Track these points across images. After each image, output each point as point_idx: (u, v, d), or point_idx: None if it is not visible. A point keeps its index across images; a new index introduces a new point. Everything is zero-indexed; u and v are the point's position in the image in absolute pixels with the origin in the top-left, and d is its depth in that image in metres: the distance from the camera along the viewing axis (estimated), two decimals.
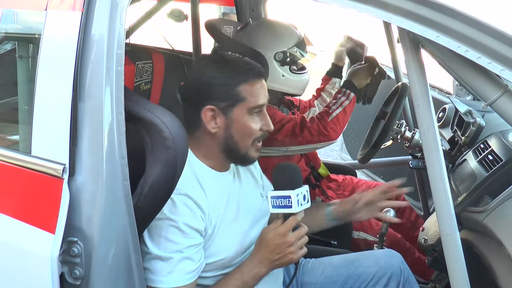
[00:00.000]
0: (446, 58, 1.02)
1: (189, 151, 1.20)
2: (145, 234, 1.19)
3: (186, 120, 1.29)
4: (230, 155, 1.32)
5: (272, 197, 1.17)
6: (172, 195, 1.16)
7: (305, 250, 1.20)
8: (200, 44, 2.53)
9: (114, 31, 1.09)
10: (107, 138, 1.08)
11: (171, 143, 1.10)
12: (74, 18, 1.10)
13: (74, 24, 1.09)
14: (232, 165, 1.39)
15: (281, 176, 1.20)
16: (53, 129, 1.11)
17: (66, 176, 1.07)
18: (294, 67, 1.95)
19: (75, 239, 1.08)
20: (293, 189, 1.16)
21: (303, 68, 2.01)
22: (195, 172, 1.27)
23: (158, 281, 1.17)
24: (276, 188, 1.20)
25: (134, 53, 1.49)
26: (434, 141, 1.09)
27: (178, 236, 1.18)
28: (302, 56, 1.94)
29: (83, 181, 1.08)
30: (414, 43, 1.08)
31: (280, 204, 1.16)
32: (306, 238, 1.20)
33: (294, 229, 1.18)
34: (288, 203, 1.15)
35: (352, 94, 1.98)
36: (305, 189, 1.18)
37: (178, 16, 2.72)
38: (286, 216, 1.18)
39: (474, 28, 0.95)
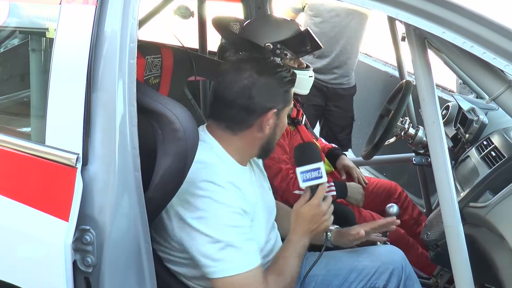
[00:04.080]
0: (452, 53, 1.05)
1: (218, 144, 1.29)
2: (202, 230, 1.18)
3: (231, 121, 1.30)
4: (264, 151, 1.37)
5: (302, 172, 1.27)
6: (221, 184, 1.21)
7: (332, 217, 1.32)
8: (206, 41, 2.55)
9: (127, 24, 1.12)
10: (119, 129, 1.11)
11: (182, 134, 1.13)
12: (88, 11, 1.12)
13: (88, 18, 1.12)
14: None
15: (304, 153, 1.32)
16: (67, 119, 1.13)
17: (79, 166, 1.10)
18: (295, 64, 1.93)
19: (88, 227, 1.11)
20: (319, 161, 1.28)
21: (307, 66, 2.00)
22: (226, 165, 1.31)
23: (237, 267, 1.19)
24: (299, 164, 1.29)
25: (144, 47, 1.51)
26: (439, 135, 1.11)
27: (240, 221, 1.22)
28: (297, 50, 1.86)
29: (96, 170, 1.11)
30: (420, 39, 1.11)
31: (310, 177, 1.26)
32: (332, 206, 1.32)
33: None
34: (318, 174, 1.26)
35: (334, 193, 1.96)
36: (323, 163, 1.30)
37: (184, 13, 2.74)
38: (313, 189, 1.28)
39: (480, 24, 0.97)
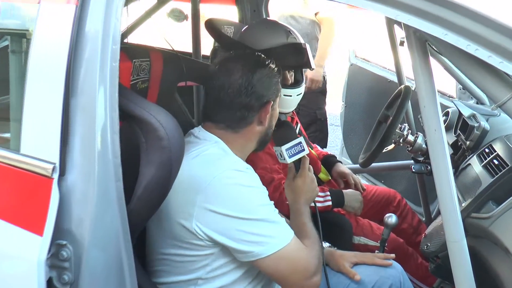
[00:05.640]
0: (455, 57, 0.98)
1: (222, 142, 1.31)
2: (241, 216, 1.19)
3: (231, 121, 1.32)
4: (262, 143, 1.40)
5: (287, 149, 1.39)
6: (243, 170, 1.25)
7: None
8: (199, 44, 2.49)
9: (110, 25, 1.05)
10: (100, 137, 1.04)
11: (166, 143, 1.06)
12: (68, 11, 1.06)
13: (68, 17, 1.05)
14: None
15: (283, 131, 1.44)
16: (44, 126, 1.06)
17: (56, 176, 1.03)
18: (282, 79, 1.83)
19: (65, 242, 1.03)
20: (298, 137, 1.41)
21: (297, 82, 1.86)
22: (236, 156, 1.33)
23: (282, 240, 1.22)
24: (282, 143, 1.41)
25: (131, 51, 1.45)
26: (440, 143, 1.04)
27: (267, 198, 1.27)
28: (282, 64, 1.69)
29: (74, 181, 1.04)
30: (420, 41, 1.04)
31: (294, 152, 1.39)
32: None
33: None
34: (301, 147, 1.39)
35: (330, 203, 1.91)
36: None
37: (178, 16, 2.68)
38: (296, 163, 1.41)
39: (485, 26, 0.90)
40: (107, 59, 1.04)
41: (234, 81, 1.29)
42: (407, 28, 1.02)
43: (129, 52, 1.42)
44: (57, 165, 1.03)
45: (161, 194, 1.10)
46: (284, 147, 1.39)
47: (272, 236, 1.21)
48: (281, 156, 1.42)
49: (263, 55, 1.39)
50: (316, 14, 3.12)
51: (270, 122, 1.38)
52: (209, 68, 1.39)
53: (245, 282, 1.30)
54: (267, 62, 1.36)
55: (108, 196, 1.06)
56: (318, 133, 3.18)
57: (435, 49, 1.01)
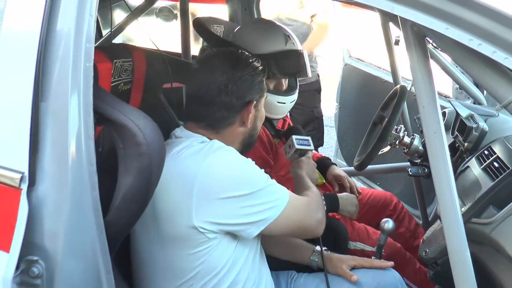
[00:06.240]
0: (456, 53, 0.90)
1: (206, 138, 1.28)
2: (241, 193, 1.18)
3: (212, 120, 1.28)
4: (246, 145, 1.36)
5: (296, 138, 1.56)
6: (229, 149, 1.23)
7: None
8: (189, 44, 2.42)
9: (83, 22, 0.98)
10: (73, 143, 0.97)
11: (145, 149, 0.99)
12: (37, 7, 0.98)
13: (37, 14, 0.98)
14: None
15: (295, 131, 1.70)
16: (11, 132, 0.99)
17: (25, 186, 0.95)
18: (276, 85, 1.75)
19: (36, 257, 0.96)
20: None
21: (291, 88, 1.79)
22: None
23: (284, 196, 1.24)
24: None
25: (112, 50, 1.37)
26: (441, 147, 0.97)
27: (256, 165, 1.27)
28: (275, 71, 1.66)
29: (45, 191, 0.96)
30: (419, 37, 0.96)
31: (302, 143, 1.56)
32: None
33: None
34: (308, 143, 1.58)
35: (324, 207, 1.81)
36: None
37: (167, 16, 2.62)
38: (301, 154, 1.57)
39: (489, 18, 0.82)
40: (81, 59, 0.97)
41: (214, 79, 1.25)
42: (404, 22, 0.95)
43: (109, 52, 1.34)
44: (26, 174, 0.95)
45: (140, 204, 1.02)
46: (294, 136, 1.56)
47: (276, 195, 1.23)
48: (289, 147, 1.55)
49: (246, 52, 1.34)
50: (312, 16, 3.09)
51: (254, 123, 1.34)
52: (191, 66, 1.32)
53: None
54: (250, 60, 1.30)
55: (83, 207, 0.99)
56: (316, 132, 3.16)
57: (435, 45, 0.94)
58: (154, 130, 1.01)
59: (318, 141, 3.16)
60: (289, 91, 1.81)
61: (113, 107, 1.04)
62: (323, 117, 3.23)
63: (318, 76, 3.18)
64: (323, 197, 1.89)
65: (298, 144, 1.55)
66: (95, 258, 1.00)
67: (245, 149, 1.37)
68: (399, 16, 0.93)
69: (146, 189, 1.01)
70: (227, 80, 1.24)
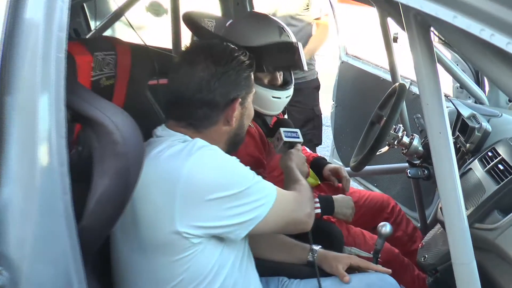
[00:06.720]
0: (465, 45, 0.81)
1: (189, 138, 1.21)
2: (228, 194, 1.11)
3: (192, 119, 1.20)
4: (233, 144, 1.29)
5: (284, 131, 1.54)
6: (212, 148, 1.15)
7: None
8: (180, 39, 2.34)
9: (54, 8, 0.89)
10: (42, 142, 0.88)
11: (122, 148, 0.90)
12: None
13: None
14: None
15: (283, 124, 1.64)
16: None
17: None
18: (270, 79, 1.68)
19: None
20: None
21: (286, 83, 1.72)
22: None
23: (271, 192, 1.19)
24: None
25: (92, 42, 1.28)
26: (446, 149, 0.88)
27: (241, 163, 1.20)
28: (267, 63, 1.59)
29: (10, 195, 0.87)
30: (423, 28, 0.88)
31: (291, 136, 1.55)
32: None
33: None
34: (297, 135, 1.57)
35: (319, 210, 1.76)
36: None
37: (157, 10, 2.54)
38: (290, 146, 1.54)
39: (504, 5, 0.74)
40: (51, 49, 0.88)
41: (194, 75, 1.15)
42: (407, 11, 0.86)
43: (89, 44, 1.25)
44: None
45: (117, 208, 0.94)
46: (282, 129, 1.54)
47: (264, 192, 1.17)
48: (277, 140, 1.53)
49: (231, 45, 1.24)
50: (316, 19, 3.09)
51: (241, 121, 1.26)
52: (173, 59, 1.23)
53: None
54: (236, 54, 1.21)
55: (54, 212, 0.90)
56: (316, 131, 3.13)
57: (441, 36, 0.85)
58: (132, 128, 0.93)
59: (318, 140, 3.13)
60: (284, 86, 1.73)
61: (89, 102, 0.95)
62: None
63: (316, 73, 3.14)
64: (317, 200, 1.83)
65: (286, 137, 1.52)
66: (67, 267, 0.91)
67: (232, 149, 1.29)
68: (401, 4, 0.84)
69: (123, 192, 0.92)
70: (209, 76, 1.15)
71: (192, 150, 1.11)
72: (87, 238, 0.95)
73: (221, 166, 1.14)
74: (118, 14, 2.41)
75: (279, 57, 1.63)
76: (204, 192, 1.08)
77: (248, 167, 1.20)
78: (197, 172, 1.09)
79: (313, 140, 3.08)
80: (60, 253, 0.91)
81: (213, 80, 1.15)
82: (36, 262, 0.89)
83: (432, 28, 0.87)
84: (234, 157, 1.19)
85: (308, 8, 3.06)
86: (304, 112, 3.01)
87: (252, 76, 1.27)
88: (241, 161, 1.68)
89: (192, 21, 1.83)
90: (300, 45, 1.69)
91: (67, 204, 0.90)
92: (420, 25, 0.87)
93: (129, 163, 0.90)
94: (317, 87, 3.12)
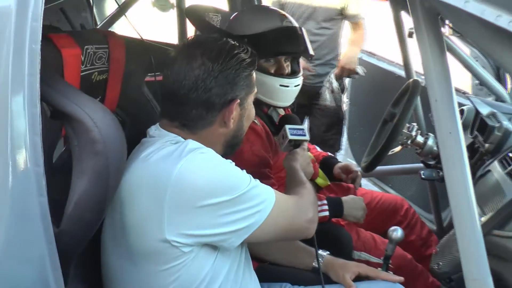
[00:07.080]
0: (478, 35, 0.72)
1: (182, 138, 1.15)
2: (222, 199, 1.03)
3: (186, 120, 1.12)
4: (230, 147, 1.21)
5: (290, 128, 1.48)
6: (205, 151, 1.07)
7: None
8: (186, 35, 2.28)
9: None
10: (15, 140, 0.82)
11: (101, 147, 0.84)
12: None
13: None
14: None
15: (289, 120, 1.53)
16: None
17: None
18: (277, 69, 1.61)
19: None
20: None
21: (294, 72, 1.64)
22: None
23: (271, 196, 1.12)
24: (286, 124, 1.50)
25: (82, 35, 1.22)
26: (458, 151, 0.79)
27: (237, 167, 1.13)
28: (273, 50, 1.54)
29: None
30: (431, 15, 0.79)
31: (297, 133, 1.47)
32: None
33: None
34: (303, 133, 1.49)
35: (327, 213, 1.68)
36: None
37: (164, 5, 2.49)
38: (296, 145, 1.47)
39: None
40: (25, 40, 0.83)
41: (189, 72, 1.08)
42: None
43: (78, 36, 1.18)
44: None
45: (96, 212, 0.88)
46: (287, 126, 1.47)
47: (261, 198, 1.09)
48: (283, 138, 1.47)
49: (233, 42, 1.16)
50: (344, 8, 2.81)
51: (239, 123, 1.18)
52: (169, 54, 1.16)
53: None
54: (236, 51, 1.12)
55: (28, 216, 0.84)
56: (339, 136, 3.01)
57: (451, 25, 0.76)
58: (113, 126, 0.86)
59: (339, 147, 3.02)
60: (292, 74, 1.65)
61: (68, 98, 0.89)
62: None
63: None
64: (325, 202, 1.74)
65: (291, 135, 1.46)
66: (44, 276, 0.86)
67: (229, 151, 1.21)
68: None
69: (102, 194, 0.86)
70: (205, 74, 1.08)
71: (182, 152, 1.03)
72: (66, 244, 0.89)
73: (213, 170, 1.06)
74: (123, 9, 2.36)
75: (282, 42, 1.57)
76: (194, 199, 1.01)
77: (244, 171, 1.12)
78: (187, 176, 1.01)
79: (334, 146, 2.96)
80: (37, 259, 0.85)
81: (209, 79, 1.08)
82: (9, 271, 0.84)
83: (441, 16, 0.78)
84: (228, 161, 1.11)
85: (344, 15, 2.81)
86: (327, 115, 2.88)
87: (254, 75, 1.19)
88: (247, 161, 1.63)
89: (195, 15, 1.77)
90: (303, 31, 1.62)
91: (44, 207, 0.84)
92: (428, 12, 0.78)
93: (108, 162, 0.84)
94: (343, 89, 2.97)
